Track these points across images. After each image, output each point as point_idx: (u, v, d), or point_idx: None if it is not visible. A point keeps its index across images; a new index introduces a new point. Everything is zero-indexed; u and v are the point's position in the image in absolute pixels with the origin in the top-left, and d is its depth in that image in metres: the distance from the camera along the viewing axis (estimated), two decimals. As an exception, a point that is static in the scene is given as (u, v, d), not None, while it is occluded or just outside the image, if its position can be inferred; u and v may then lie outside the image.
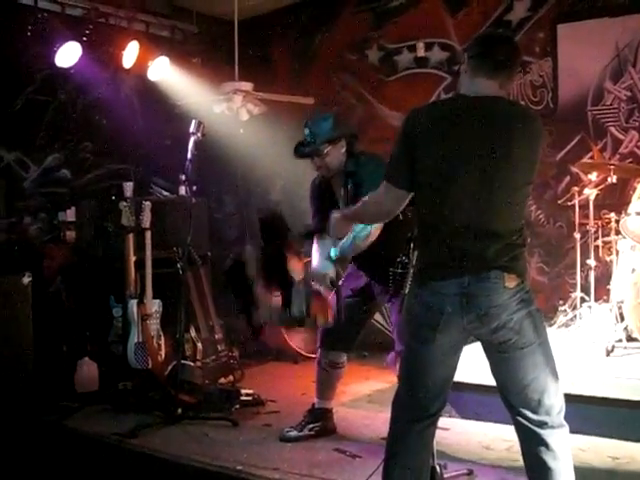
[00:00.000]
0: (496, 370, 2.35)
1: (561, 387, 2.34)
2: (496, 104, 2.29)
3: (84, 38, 4.91)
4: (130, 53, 5.07)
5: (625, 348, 4.10)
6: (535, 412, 2.28)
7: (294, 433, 3.60)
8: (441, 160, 2.25)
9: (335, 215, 2.72)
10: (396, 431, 2.41)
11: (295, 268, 3.05)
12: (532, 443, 2.30)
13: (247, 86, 5.30)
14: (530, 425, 2.29)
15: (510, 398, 2.33)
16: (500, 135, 2.23)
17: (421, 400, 2.36)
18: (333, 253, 3.27)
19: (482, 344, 2.35)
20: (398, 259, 3.02)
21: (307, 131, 3.40)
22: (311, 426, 3.61)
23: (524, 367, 2.27)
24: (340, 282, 3.49)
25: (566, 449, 2.30)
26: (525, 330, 2.25)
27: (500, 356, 2.30)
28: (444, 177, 2.26)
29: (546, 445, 2.27)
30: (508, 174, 2.25)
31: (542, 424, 2.28)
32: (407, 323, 2.41)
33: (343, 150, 3.40)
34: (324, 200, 3.50)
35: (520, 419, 2.31)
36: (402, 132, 2.33)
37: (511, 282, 2.23)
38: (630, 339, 4.15)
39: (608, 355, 4.04)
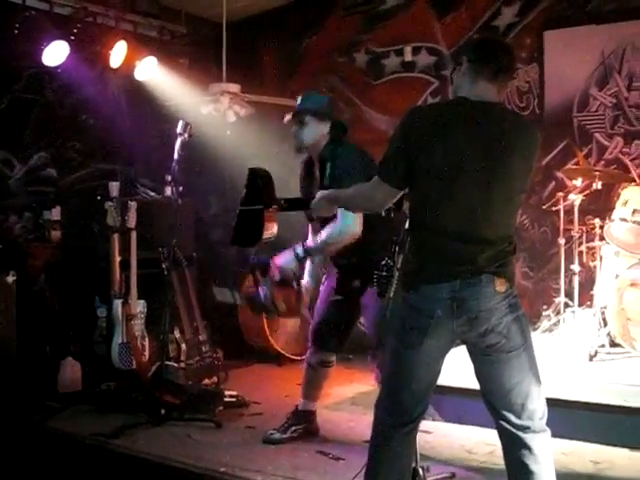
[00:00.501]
0: (481, 373, 2.36)
1: (543, 392, 2.36)
2: (497, 111, 2.31)
3: (72, 37, 4.88)
4: (118, 53, 5.05)
5: (608, 353, 4.14)
6: (518, 416, 2.29)
7: (277, 435, 3.60)
8: (438, 164, 2.25)
9: (323, 193, 2.69)
10: (378, 435, 2.42)
11: (269, 228, 3.04)
12: (514, 447, 2.31)
13: (234, 88, 5.30)
14: (513, 429, 2.30)
15: (494, 402, 2.34)
16: (499, 143, 2.25)
17: (405, 404, 2.36)
18: (299, 250, 3.33)
19: (468, 347, 2.36)
20: (383, 262, 3.02)
21: (300, 98, 3.49)
22: (294, 428, 3.61)
23: (509, 371, 2.29)
24: (323, 281, 3.55)
25: (548, 453, 2.32)
26: (512, 334, 2.27)
27: (486, 359, 2.32)
28: (440, 182, 2.26)
29: (528, 449, 2.28)
30: (505, 183, 2.26)
31: (525, 428, 2.29)
32: (393, 327, 2.40)
33: (325, 132, 3.41)
34: (307, 179, 3.56)
35: (503, 423, 2.32)
36: (400, 131, 2.31)
37: (501, 286, 2.25)
38: (613, 344, 4.19)
39: (591, 360, 4.08)
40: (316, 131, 3.42)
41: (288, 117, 3.49)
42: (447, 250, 2.27)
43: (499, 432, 2.36)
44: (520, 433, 2.29)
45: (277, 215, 2.94)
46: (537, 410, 2.31)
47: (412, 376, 2.35)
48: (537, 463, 2.28)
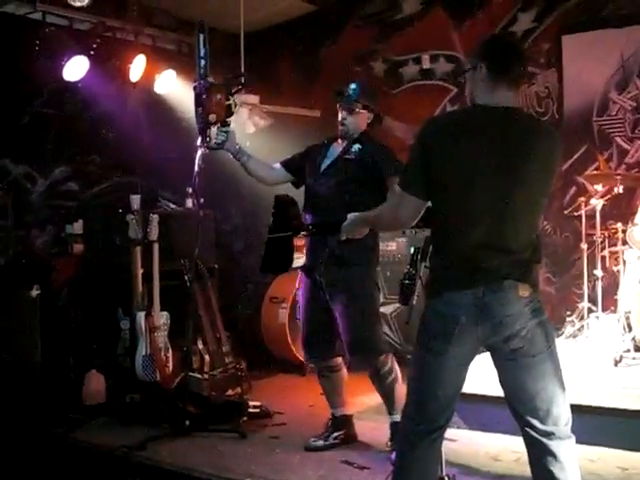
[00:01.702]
0: (505, 379, 2.35)
1: (568, 398, 2.34)
2: (516, 117, 2.31)
3: (91, 52, 4.95)
4: (137, 67, 5.11)
5: (633, 358, 4.09)
6: (543, 422, 2.28)
7: (320, 442, 3.64)
8: (457, 172, 2.26)
9: (351, 216, 2.70)
10: (404, 443, 2.41)
11: (298, 253, 3.07)
12: (539, 454, 2.30)
13: (253, 99, 5.33)
14: (537, 435, 2.29)
15: (518, 407, 2.33)
16: (518, 149, 2.24)
17: (430, 412, 2.36)
18: None
19: (492, 353, 2.36)
20: (405, 270, 3.01)
21: (354, 85, 3.54)
22: (336, 434, 3.66)
23: (533, 376, 2.28)
24: (298, 286, 3.63)
25: (573, 460, 2.30)
26: (536, 339, 2.26)
27: (510, 365, 2.31)
28: (459, 190, 2.27)
29: (554, 456, 2.27)
30: (525, 188, 2.26)
31: (549, 434, 2.28)
32: (420, 334, 2.40)
33: (367, 122, 3.56)
34: (310, 158, 3.63)
35: (528, 429, 2.31)
36: (418, 141, 2.32)
37: (524, 292, 2.25)
38: (638, 349, 4.15)
39: (616, 365, 4.04)
40: (360, 122, 3.55)
41: (340, 115, 3.54)
42: (469, 257, 2.27)
43: (525, 439, 2.35)
44: (545, 439, 2.28)
45: (305, 240, 2.99)
46: (562, 416, 2.30)
47: (437, 383, 2.34)
48: (563, 470, 2.27)
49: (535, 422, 2.29)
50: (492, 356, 2.36)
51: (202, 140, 3.34)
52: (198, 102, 3.26)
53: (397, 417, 3.37)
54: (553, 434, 2.28)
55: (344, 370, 3.70)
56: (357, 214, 2.70)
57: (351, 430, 3.71)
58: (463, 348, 2.30)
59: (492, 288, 2.23)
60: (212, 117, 3.27)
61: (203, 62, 3.30)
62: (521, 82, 2.38)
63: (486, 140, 2.25)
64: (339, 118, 3.56)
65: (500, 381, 2.37)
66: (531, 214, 2.32)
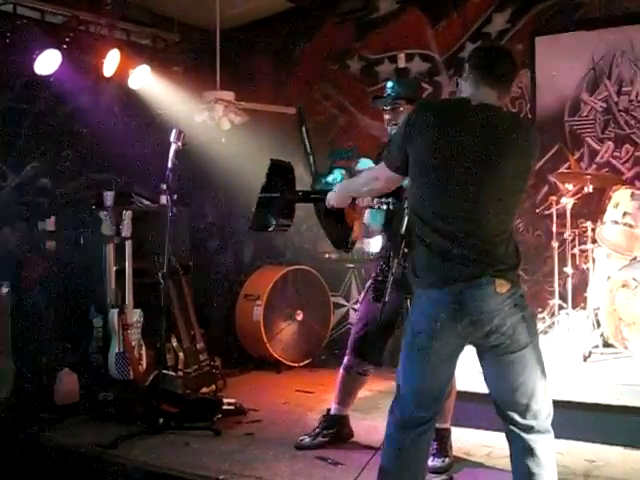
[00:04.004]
0: (488, 374, 2.40)
1: (550, 392, 2.39)
2: (495, 113, 2.36)
3: (64, 46, 4.87)
4: (111, 61, 5.05)
5: (602, 354, 4.17)
6: (523, 416, 2.33)
7: (307, 440, 3.59)
8: (433, 157, 2.32)
9: (336, 188, 2.89)
10: (391, 437, 2.44)
11: (287, 216, 3.13)
12: (519, 449, 2.35)
13: (229, 95, 5.31)
14: (518, 430, 2.34)
15: (500, 403, 2.38)
16: (496, 143, 2.30)
17: (416, 407, 2.40)
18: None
19: (476, 349, 2.41)
20: (378, 267, 3.03)
21: (390, 84, 3.46)
22: (325, 432, 3.60)
23: (515, 371, 2.32)
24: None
25: (551, 456, 2.36)
26: (518, 334, 2.31)
27: (492, 360, 2.36)
28: (434, 177, 2.32)
29: (531, 450, 2.32)
30: (498, 182, 2.30)
31: (529, 428, 2.33)
32: (405, 331, 2.46)
33: None
34: None
35: (510, 426, 2.37)
36: (405, 123, 2.43)
37: (502, 288, 2.29)
38: (606, 345, 4.22)
39: (585, 361, 4.11)
40: None
41: (386, 116, 3.42)
42: (444, 253, 2.30)
43: (507, 436, 2.41)
44: (524, 434, 2.33)
45: (294, 205, 3.04)
46: (542, 410, 2.35)
47: (422, 379, 2.39)
48: (539, 466, 2.32)
49: (516, 416, 2.33)
50: (477, 352, 2.41)
51: (343, 247, 3.26)
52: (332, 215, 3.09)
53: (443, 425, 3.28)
54: (532, 428, 2.33)
55: (369, 377, 3.60)
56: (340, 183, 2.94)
57: (344, 430, 3.64)
58: (446, 344, 2.35)
59: (469, 285, 2.27)
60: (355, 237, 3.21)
61: (312, 158, 3.27)
62: (506, 83, 2.42)
63: (465, 131, 2.30)
64: (385, 122, 3.44)
65: (484, 375, 2.42)
66: (503, 207, 2.35)
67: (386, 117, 3.44)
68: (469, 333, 2.32)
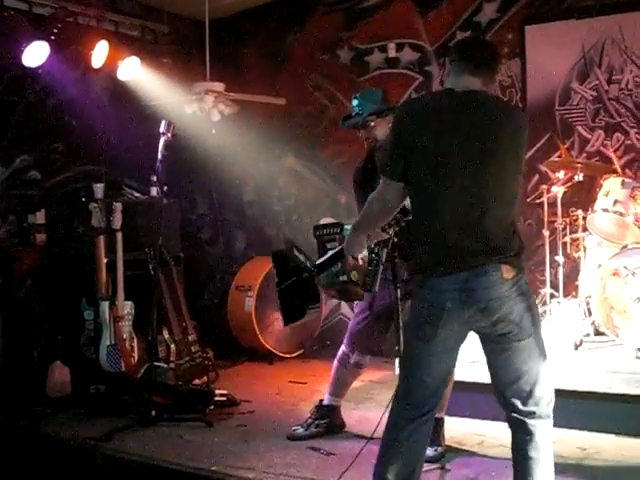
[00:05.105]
0: (492, 362, 2.40)
1: (551, 379, 2.40)
2: (481, 97, 2.37)
3: (52, 37, 4.83)
4: (99, 53, 5.01)
5: (593, 342, 4.19)
6: (524, 403, 2.35)
7: (300, 431, 3.60)
8: (430, 153, 2.31)
9: (349, 233, 2.68)
10: (392, 426, 2.45)
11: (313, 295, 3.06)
12: (518, 433, 2.37)
13: (219, 86, 5.28)
14: (519, 416, 2.36)
15: (503, 390, 2.39)
16: (487, 128, 2.30)
17: (418, 396, 2.41)
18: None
19: (480, 336, 2.40)
20: (369, 257, 3.02)
21: (355, 102, 3.40)
22: (317, 423, 3.60)
23: (519, 359, 2.33)
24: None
25: (548, 441, 2.38)
26: (525, 322, 2.31)
27: (498, 348, 2.36)
28: (433, 171, 2.31)
29: (530, 435, 2.34)
30: (496, 167, 2.31)
31: (530, 414, 2.35)
32: (409, 321, 2.45)
33: (388, 122, 3.32)
34: (367, 183, 3.33)
35: (512, 414, 2.38)
36: (393, 127, 2.41)
37: (509, 273, 2.28)
38: (597, 333, 4.25)
39: (577, 349, 4.13)
40: (385, 128, 3.30)
41: (361, 135, 3.38)
42: (448, 242, 2.31)
43: (510, 425, 2.42)
44: (525, 418, 2.35)
45: (314, 283, 2.98)
46: (544, 397, 2.37)
47: (426, 368, 2.39)
48: (537, 450, 2.34)
49: (517, 403, 2.35)
50: (480, 340, 2.41)
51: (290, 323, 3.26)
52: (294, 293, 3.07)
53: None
54: (534, 413, 2.35)
55: (364, 369, 3.61)
56: (349, 231, 2.69)
57: (337, 420, 3.64)
58: (451, 333, 2.35)
59: (475, 272, 2.27)
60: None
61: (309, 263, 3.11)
62: (486, 69, 2.41)
63: (454, 120, 2.30)
64: (363, 139, 3.41)
65: (487, 364, 2.42)
66: (504, 191, 2.35)
67: (360, 135, 3.42)
68: (476, 321, 2.31)
